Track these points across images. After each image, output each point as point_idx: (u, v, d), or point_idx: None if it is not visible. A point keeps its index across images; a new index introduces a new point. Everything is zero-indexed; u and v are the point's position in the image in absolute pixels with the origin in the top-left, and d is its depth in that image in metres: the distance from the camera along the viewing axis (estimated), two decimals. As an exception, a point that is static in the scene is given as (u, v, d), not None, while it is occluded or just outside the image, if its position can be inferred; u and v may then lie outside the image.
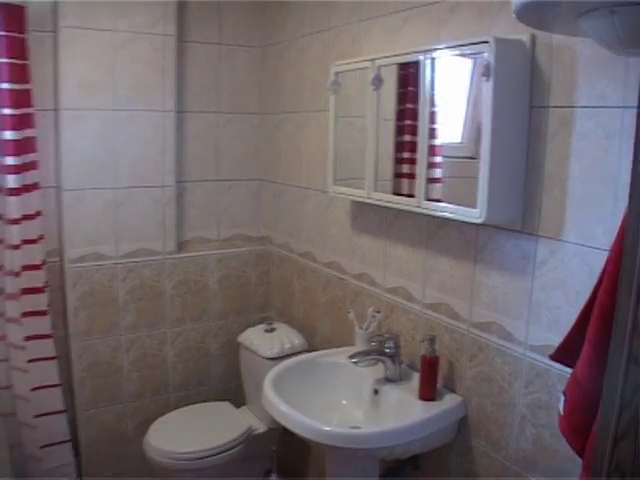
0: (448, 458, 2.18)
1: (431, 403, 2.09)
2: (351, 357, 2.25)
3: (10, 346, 2.77)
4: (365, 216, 2.54)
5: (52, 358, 2.85)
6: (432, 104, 2.00)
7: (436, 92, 1.99)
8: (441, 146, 2.03)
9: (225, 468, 2.81)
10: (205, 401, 3.18)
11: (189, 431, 2.88)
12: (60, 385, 2.89)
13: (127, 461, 3.12)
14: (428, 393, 2.11)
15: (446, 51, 1.90)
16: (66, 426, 2.91)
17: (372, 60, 2.24)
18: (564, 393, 1.42)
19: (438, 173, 2.05)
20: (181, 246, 3.16)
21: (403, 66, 2.13)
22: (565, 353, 1.45)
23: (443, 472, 2.20)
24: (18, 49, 2.60)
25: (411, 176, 2.11)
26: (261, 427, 2.91)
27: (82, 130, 2.81)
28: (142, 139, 2.93)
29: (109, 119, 2.84)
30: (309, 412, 2.09)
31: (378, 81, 2.24)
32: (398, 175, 2.24)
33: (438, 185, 2.06)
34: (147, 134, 2.93)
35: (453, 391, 2.13)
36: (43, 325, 2.82)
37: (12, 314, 2.74)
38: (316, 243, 2.89)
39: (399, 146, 2.24)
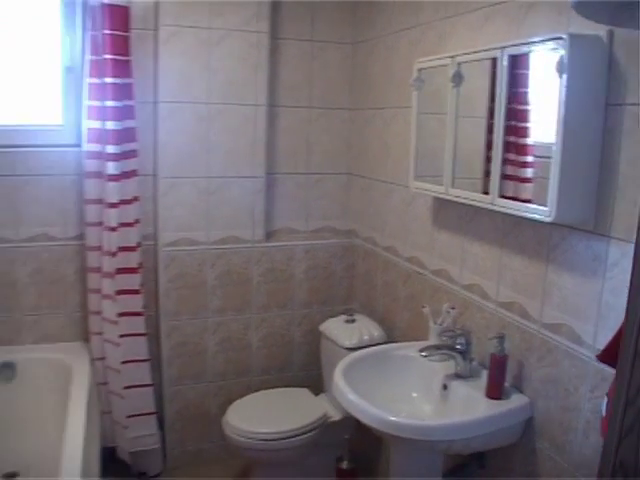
0: (512, 458, 2.17)
1: (497, 402, 2.09)
2: (421, 350, 2.28)
3: (105, 321, 2.98)
4: (445, 212, 2.56)
5: (142, 334, 3.05)
6: (509, 101, 2.00)
7: (514, 89, 1.97)
8: (519, 144, 2.02)
9: (298, 452, 2.90)
10: (285, 387, 3.27)
11: (266, 413, 2.98)
12: (149, 360, 3.08)
13: (208, 438, 3.29)
14: (495, 392, 2.11)
15: (521, 48, 1.89)
16: (152, 399, 3.09)
17: (452, 57, 2.25)
18: (607, 394, 1.41)
19: (512, 171, 2.04)
20: (270, 235, 3.28)
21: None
22: (611, 354, 1.44)
23: (507, 472, 2.20)
24: (121, 46, 2.79)
25: (506, 176, 2.07)
26: (336, 415, 2.98)
27: (178, 122, 2.98)
28: (234, 132, 3.06)
29: (203, 112, 2.99)
30: (378, 402, 2.14)
31: (458, 78, 2.25)
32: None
33: (511, 183, 2.04)
34: (239, 127, 3.06)
35: (520, 391, 2.12)
36: (135, 303, 3.01)
37: (107, 291, 2.95)
38: (399, 238, 2.93)
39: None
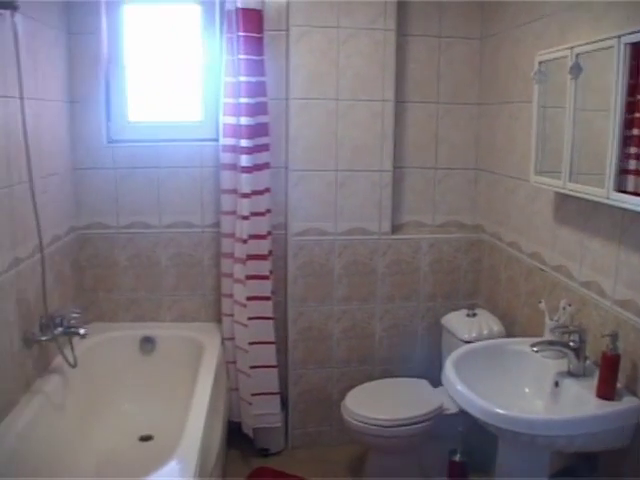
0: (623, 463, 2.11)
1: (607, 402, 2.05)
2: (533, 345, 2.27)
3: (235, 303, 3.19)
4: (566, 208, 2.52)
5: (269, 318, 3.22)
6: (628, 93, 1.95)
7: (633, 80, 1.92)
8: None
9: (412, 440, 2.95)
10: (406, 377, 3.30)
11: (383, 400, 3.05)
12: (274, 343, 3.25)
13: (328, 421, 3.42)
14: (606, 391, 2.06)
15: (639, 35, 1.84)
16: (276, 380, 3.27)
17: (570, 48, 2.23)
18: None
19: (634, 165, 1.99)
20: (396, 228, 3.35)
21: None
22: None
23: (617, 476, 2.14)
24: (254, 47, 2.99)
25: (625, 170, 2.02)
26: (453, 408, 2.97)
27: (308, 117, 3.12)
28: (362, 126, 3.16)
29: (332, 108, 3.12)
30: (488, 395, 2.17)
31: (576, 69, 2.22)
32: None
33: (632, 177, 1.99)
34: (367, 122, 3.15)
35: (634, 394, 2.06)
36: (264, 288, 3.20)
37: (238, 276, 3.15)
38: (522, 233, 2.90)
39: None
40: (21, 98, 2.43)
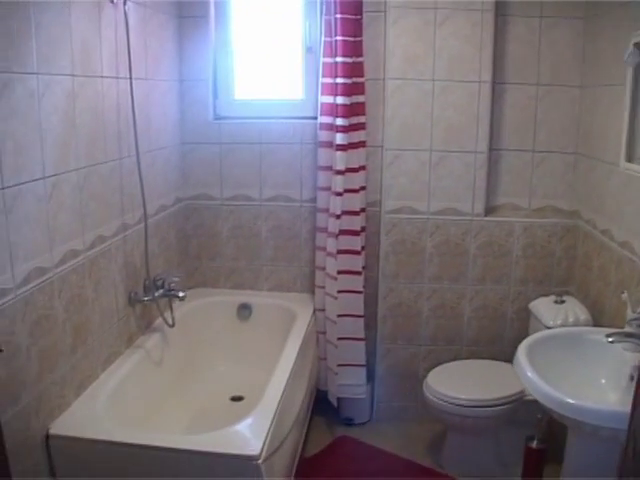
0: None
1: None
2: (608, 335, 2.23)
3: (327, 276, 3.30)
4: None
5: (359, 292, 3.33)
6: None
7: None
8: None
9: (489, 423, 2.99)
10: (492, 359, 3.30)
11: (465, 380, 3.09)
12: (363, 317, 3.36)
13: (413, 397, 3.47)
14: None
15: None
16: (363, 353, 3.38)
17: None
18: None
19: None
20: (490, 210, 3.33)
21: None
22: None
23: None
24: (351, 28, 3.07)
25: None
26: (534, 394, 2.99)
27: (404, 97, 3.16)
28: (458, 107, 3.15)
29: (428, 88, 3.13)
30: (559, 382, 2.18)
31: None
32: None
33: None
34: (463, 103, 3.14)
35: None
36: (355, 263, 3.30)
37: (330, 249, 3.27)
38: (615, 221, 2.81)
39: None
40: (130, 78, 2.65)
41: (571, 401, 2.04)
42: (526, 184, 3.32)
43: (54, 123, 2.19)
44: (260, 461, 2.10)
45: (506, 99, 3.22)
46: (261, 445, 2.13)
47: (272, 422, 2.30)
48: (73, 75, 2.29)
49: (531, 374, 2.22)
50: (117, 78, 2.66)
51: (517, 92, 3.21)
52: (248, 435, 2.22)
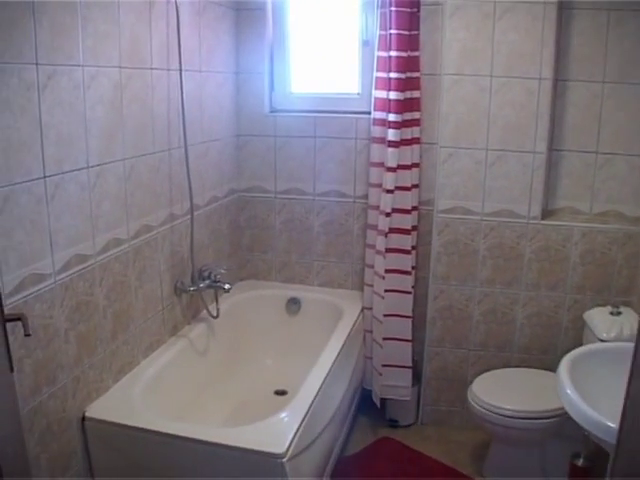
0: None
1: None
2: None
3: (375, 275, 3.25)
4: None
5: (407, 292, 3.26)
6: None
7: None
8: None
9: (534, 436, 2.88)
10: (544, 369, 3.16)
11: (511, 390, 2.98)
12: (411, 317, 3.29)
13: (460, 402, 3.37)
14: None
15: None
16: (409, 354, 3.31)
17: None
18: None
19: None
20: (548, 213, 3.18)
21: None
22: None
23: None
24: (406, 22, 2.99)
25: None
26: (583, 408, 2.85)
27: (460, 93, 3.05)
28: (516, 105, 3.01)
29: (485, 85, 3.01)
30: (601, 402, 2.07)
31: None
32: None
33: None
34: (521, 100, 3.00)
35: None
36: (404, 262, 3.24)
37: (379, 248, 3.22)
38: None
39: None
40: (180, 70, 2.68)
41: (612, 425, 1.89)
42: (588, 187, 3.15)
43: (100, 114, 2.25)
44: (285, 459, 2.08)
45: (568, 97, 3.06)
46: (287, 443, 2.12)
47: (303, 420, 2.29)
48: (120, 67, 2.34)
49: (570, 391, 2.12)
50: (168, 70, 2.69)
51: (580, 90, 3.04)
52: (276, 432, 2.21)
